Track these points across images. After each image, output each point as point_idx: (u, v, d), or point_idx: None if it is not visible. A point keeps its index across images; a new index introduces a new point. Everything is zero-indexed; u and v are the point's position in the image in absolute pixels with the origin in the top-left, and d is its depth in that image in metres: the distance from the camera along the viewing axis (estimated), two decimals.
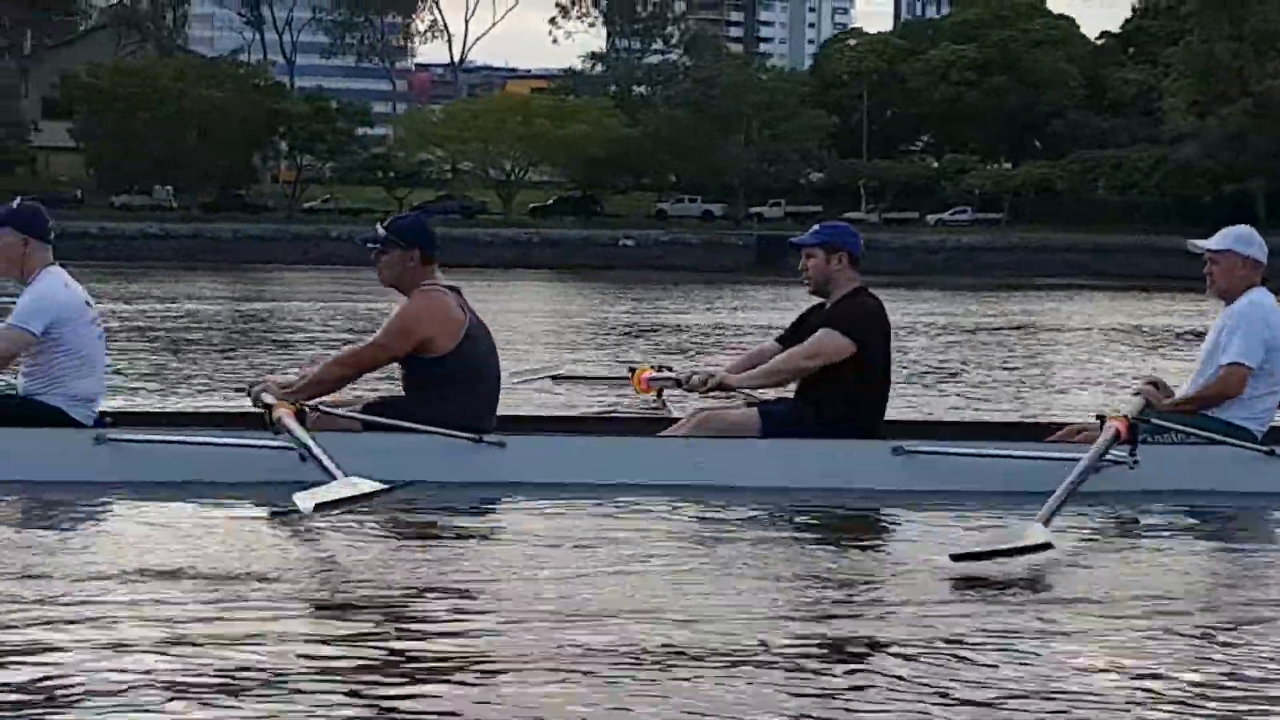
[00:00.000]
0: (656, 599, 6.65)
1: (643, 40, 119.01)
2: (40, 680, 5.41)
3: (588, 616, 6.32)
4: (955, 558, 7.29)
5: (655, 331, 29.97)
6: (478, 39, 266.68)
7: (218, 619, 6.23)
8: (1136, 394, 9.62)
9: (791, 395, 9.86)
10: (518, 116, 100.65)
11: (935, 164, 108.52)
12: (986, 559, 7.27)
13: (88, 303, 9.48)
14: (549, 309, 40.66)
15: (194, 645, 5.85)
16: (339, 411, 9.30)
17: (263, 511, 8.43)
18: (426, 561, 7.40)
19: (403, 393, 9.59)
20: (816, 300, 9.94)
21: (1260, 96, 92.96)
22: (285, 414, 8.81)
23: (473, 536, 8.14)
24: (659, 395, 10.82)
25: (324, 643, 5.95)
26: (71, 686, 5.35)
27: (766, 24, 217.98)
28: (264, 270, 71.53)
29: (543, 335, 28.46)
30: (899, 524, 8.80)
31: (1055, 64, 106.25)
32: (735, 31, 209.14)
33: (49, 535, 7.87)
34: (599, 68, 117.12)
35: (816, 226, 10.06)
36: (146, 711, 5.11)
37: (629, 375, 10.91)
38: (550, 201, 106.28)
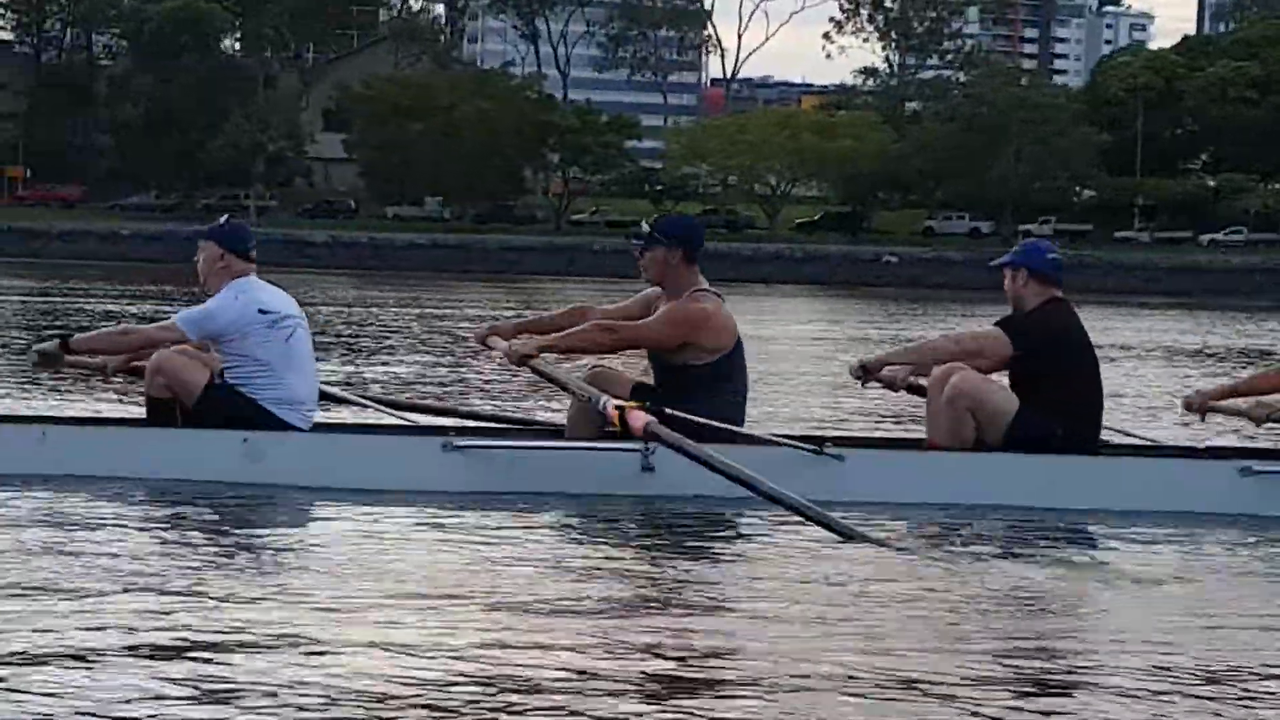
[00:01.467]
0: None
1: (918, 55, 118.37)
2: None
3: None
4: None
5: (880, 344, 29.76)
6: (750, 53, 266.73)
7: (511, 628, 6.20)
8: None
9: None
10: (784, 131, 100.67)
11: (1211, 183, 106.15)
12: None
13: (264, 310, 9.71)
14: (812, 323, 40.91)
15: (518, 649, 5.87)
16: (681, 415, 9.03)
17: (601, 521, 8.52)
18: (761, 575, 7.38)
19: (663, 391, 9.42)
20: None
21: None
22: (643, 420, 8.71)
23: (810, 551, 8.02)
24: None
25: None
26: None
27: (1062, 40, 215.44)
28: (528, 281, 72.51)
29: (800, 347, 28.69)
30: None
31: None
32: (1030, 48, 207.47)
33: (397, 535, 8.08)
34: (871, 83, 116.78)
35: (1018, 245, 10.10)
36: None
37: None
38: (817, 217, 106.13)
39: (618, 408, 8.77)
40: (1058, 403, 9.44)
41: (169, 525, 8.14)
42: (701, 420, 9.04)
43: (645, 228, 9.64)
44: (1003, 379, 9.65)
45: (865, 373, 9.71)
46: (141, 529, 8.01)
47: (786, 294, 71.17)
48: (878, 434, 11.30)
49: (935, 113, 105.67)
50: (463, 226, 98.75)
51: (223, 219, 10.27)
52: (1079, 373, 9.60)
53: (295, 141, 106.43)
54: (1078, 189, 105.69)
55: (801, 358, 26.30)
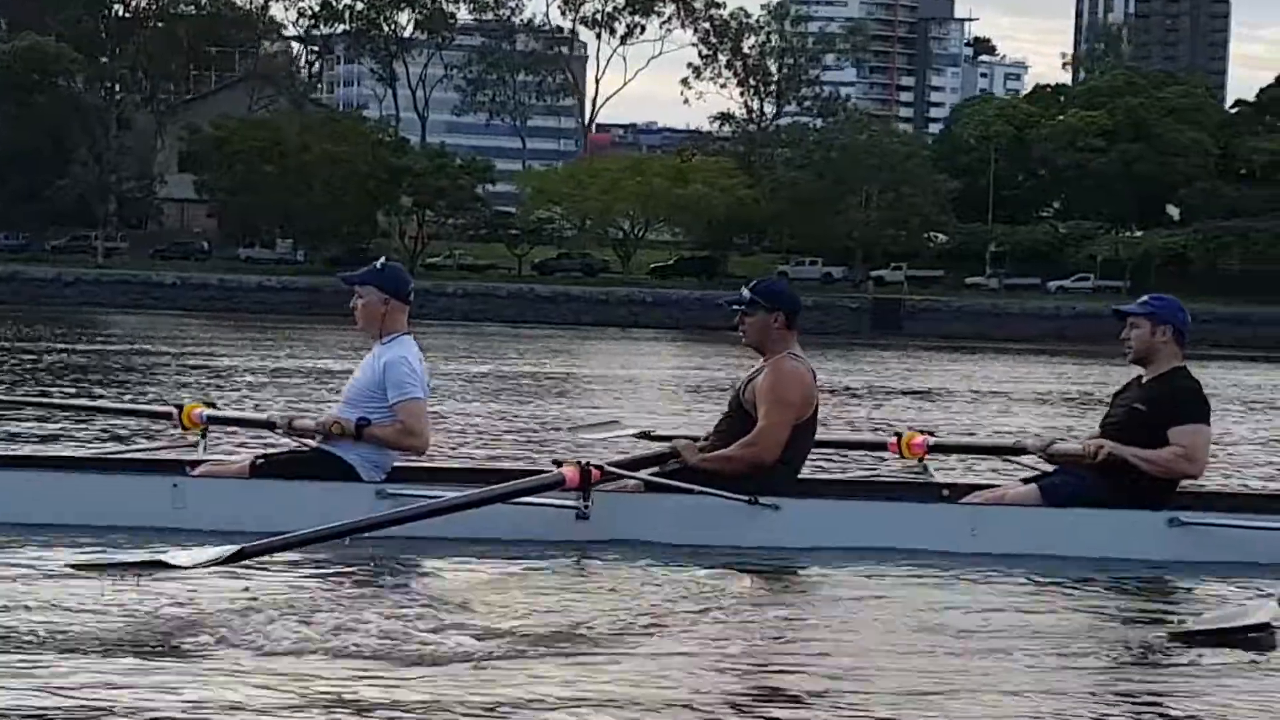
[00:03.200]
0: (959, 676, 6.53)
1: (777, 102, 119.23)
2: None
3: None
4: (1174, 635, 7.23)
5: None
6: (608, 98, 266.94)
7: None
8: None
9: (1078, 470, 9.72)
10: (635, 176, 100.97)
11: (1061, 230, 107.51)
12: (1205, 636, 7.20)
13: None
14: (664, 367, 40.92)
15: None
16: (621, 472, 9.38)
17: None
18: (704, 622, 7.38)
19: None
20: (1135, 371, 9.89)
21: None
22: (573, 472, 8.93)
23: (763, 601, 8.09)
24: (921, 460, 10.80)
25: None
26: None
27: (938, 89, 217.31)
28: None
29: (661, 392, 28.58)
30: (1175, 595, 8.79)
31: (1187, 132, 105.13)
32: (907, 96, 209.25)
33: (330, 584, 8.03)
34: (727, 128, 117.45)
35: (1145, 297, 9.96)
36: None
37: (894, 440, 10.86)
38: (671, 261, 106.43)
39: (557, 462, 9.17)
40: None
41: None
42: (639, 476, 9.39)
43: (746, 294, 9.76)
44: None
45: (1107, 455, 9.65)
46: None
47: (640, 337, 71.34)
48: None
49: (788, 159, 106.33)
50: (315, 269, 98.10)
51: (380, 261, 9.94)
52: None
53: (146, 182, 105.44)
54: (930, 235, 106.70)
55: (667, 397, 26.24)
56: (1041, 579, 8.69)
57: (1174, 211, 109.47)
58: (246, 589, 7.55)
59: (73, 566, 7.37)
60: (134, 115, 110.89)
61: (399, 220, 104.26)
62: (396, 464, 9.66)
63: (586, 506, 8.94)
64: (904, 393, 31.39)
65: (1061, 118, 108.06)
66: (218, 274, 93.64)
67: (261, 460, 9.71)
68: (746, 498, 9.19)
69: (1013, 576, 8.67)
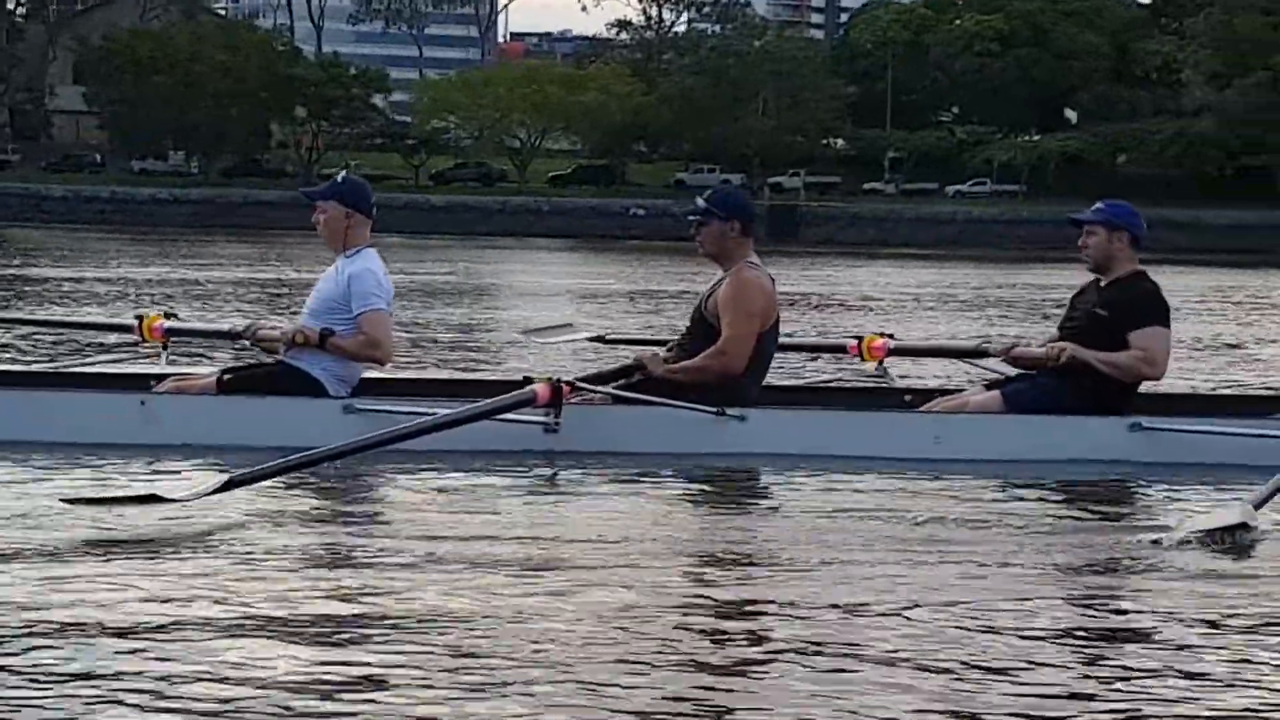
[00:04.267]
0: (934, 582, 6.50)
1: (674, 9, 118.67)
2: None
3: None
4: (1152, 544, 7.20)
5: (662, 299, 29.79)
6: (506, 4, 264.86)
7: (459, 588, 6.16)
8: None
9: (1040, 375, 9.78)
10: (530, 84, 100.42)
11: (958, 135, 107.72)
12: (1182, 541, 7.20)
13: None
14: (566, 276, 40.91)
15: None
16: (590, 387, 9.47)
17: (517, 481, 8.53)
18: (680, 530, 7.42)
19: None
20: (1090, 277, 9.97)
21: (1278, 70, 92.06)
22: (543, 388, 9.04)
23: (727, 508, 8.10)
24: (881, 363, 11.04)
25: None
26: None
27: (846, 9, 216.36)
28: (276, 235, 71.66)
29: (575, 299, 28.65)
30: (1138, 500, 8.85)
31: (1084, 36, 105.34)
32: (818, 18, 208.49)
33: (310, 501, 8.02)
34: (625, 35, 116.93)
35: (1100, 204, 10.03)
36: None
37: (855, 343, 11.06)
38: (570, 170, 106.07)
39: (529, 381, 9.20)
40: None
41: None
42: (605, 390, 9.45)
43: (701, 204, 9.80)
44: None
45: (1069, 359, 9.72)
46: None
47: (536, 247, 71.20)
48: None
49: (683, 66, 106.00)
50: (210, 181, 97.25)
51: (340, 175, 9.96)
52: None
53: (37, 94, 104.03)
54: (828, 142, 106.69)
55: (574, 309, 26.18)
56: (1004, 485, 8.77)
57: (1071, 115, 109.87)
58: (220, 503, 7.54)
59: (67, 501, 7.27)
60: (26, 26, 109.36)
61: (294, 131, 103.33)
62: (363, 377, 9.74)
63: (557, 422, 9.03)
64: (825, 299, 31.37)
65: (958, 22, 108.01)
66: (109, 187, 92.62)
67: (229, 375, 9.69)
68: (714, 409, 9.26)
69: (976, 483, 8.73)
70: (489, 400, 9.00)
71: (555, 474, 8.73)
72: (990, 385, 10.02)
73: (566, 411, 9.05)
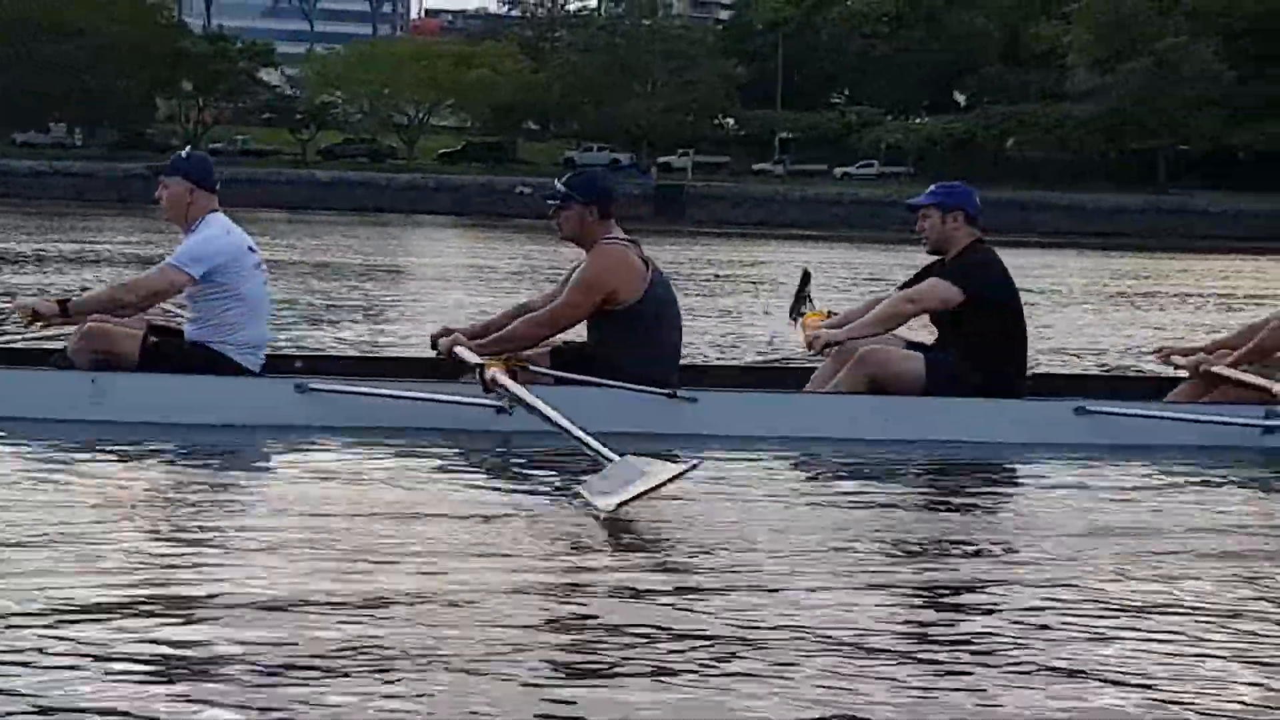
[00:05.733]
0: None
1: None
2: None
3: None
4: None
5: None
6: None
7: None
8: None
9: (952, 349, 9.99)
10: (419, 60, 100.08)
11: (847, 116, 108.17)
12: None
13: (250, 248, 9.69)
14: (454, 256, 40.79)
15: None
16: (541, 369, 9.51)
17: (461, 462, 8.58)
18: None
19: (590, 345, 9.82)
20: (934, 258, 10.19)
21: (1161, 55, 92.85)
22: (499, 373, 9.08)
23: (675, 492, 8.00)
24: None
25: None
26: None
27: None
28: (157, 210, 70.87)
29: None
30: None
31: (973, 18, 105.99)
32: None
33: (245, 477, 8.09)
34: (516, 12, 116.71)
35: (933, 187, 10.26)
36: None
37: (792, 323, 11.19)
38: (460, 147, 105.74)
39: (478, 364, 9.19)
40: (984, 346, 9.80)
41: None
42: (557, 373, 9.47)
43: (559, 187, 9.84)
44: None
45: (828, 346, 10.02)
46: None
47: (422, 224, 70.89)
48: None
49: (572, 43, 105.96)
50: (93, 154, 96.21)
51: (185, 150, 10.09)
52: (1012, 314, 9.95)
53: None
54: (719, 122, 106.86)
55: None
56: (934, 463, 9.01)
57: (961, 98, 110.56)
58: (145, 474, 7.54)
59: (609, 511, 7.15)
60: None
61: (181, 104, 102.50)
62: (313, 355, 9.99)
63: (511, 405, 9.03)
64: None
65: (849, 3, 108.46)
66: None
67: (154, 338, 9.65)
68: (667, 391, 9.38)
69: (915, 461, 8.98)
70: (449, 385, 9.34)
71: (507, 456, 8.76)
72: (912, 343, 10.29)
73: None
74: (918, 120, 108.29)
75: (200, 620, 5.34)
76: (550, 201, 9.80)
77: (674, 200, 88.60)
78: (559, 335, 9.84)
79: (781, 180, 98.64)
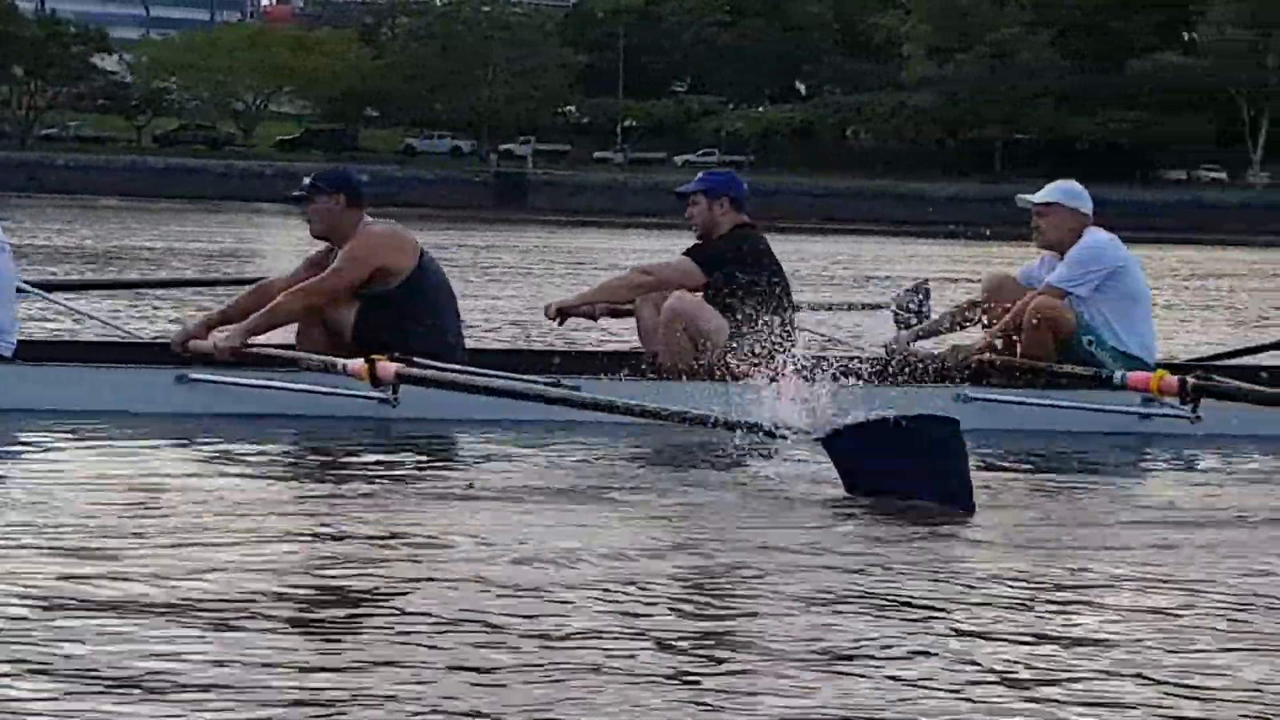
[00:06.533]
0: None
1: None
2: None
3: None
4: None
5: None
6: None
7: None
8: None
9: None
10: (254, 47, 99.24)
11: (687, 105, 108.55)
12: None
13: None
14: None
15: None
16: (429, 363, 9.11)
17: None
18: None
19: (355, 327, 9.54)
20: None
21: (997, 45, 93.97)
22: (392, 369, 8.85)
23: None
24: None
25: None
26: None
27: None
28: None
29: None
30: None
31: (812, 8, 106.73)
32: None
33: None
34: None
35: (700, 174, 10.41)
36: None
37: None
38: (298, 134, 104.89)
39: (367, 361, 8.86)
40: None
41: None
42: (440, 365, 9.16)
43: (306, 182, 9.73)
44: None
45: (562, 314, 10.23)
46: None
47: (262, 211, 70.22)
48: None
49: (411, 31, 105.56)
50: None
51: None
52: (770, 295, 9.84)
53: None
54: (562, 110, 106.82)
55: None
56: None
57: (802, 87, 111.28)
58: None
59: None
60: None
61: (13, 90, 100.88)
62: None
63: (395, 397, 8.87)
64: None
65: None
66: None
67: None
68: (552, 379, 9.12)
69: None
70: (334, 376, 9.05)
71: (394, 440, 8.65)
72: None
73: (405, 388, 8.90)
74: (759, 109, 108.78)
75: None
76: (296, 194, 9.71)
77: (515, 188, 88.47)
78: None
79: (622, 169, 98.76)
